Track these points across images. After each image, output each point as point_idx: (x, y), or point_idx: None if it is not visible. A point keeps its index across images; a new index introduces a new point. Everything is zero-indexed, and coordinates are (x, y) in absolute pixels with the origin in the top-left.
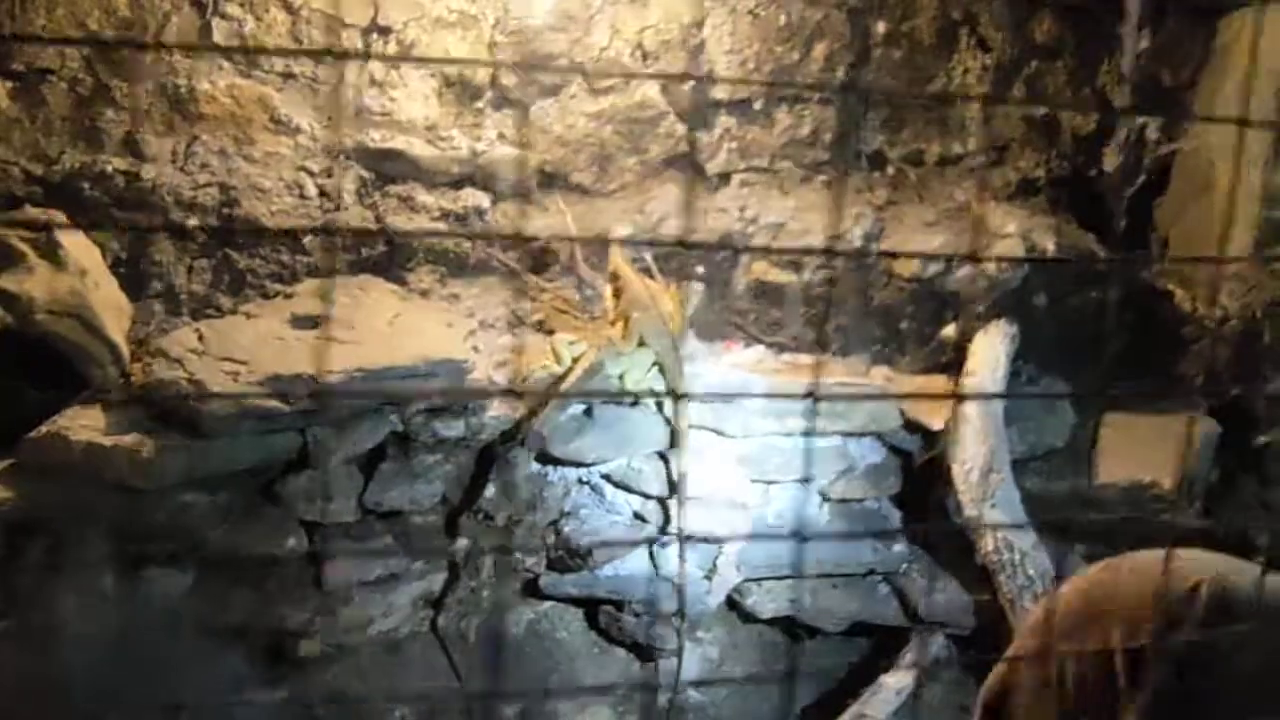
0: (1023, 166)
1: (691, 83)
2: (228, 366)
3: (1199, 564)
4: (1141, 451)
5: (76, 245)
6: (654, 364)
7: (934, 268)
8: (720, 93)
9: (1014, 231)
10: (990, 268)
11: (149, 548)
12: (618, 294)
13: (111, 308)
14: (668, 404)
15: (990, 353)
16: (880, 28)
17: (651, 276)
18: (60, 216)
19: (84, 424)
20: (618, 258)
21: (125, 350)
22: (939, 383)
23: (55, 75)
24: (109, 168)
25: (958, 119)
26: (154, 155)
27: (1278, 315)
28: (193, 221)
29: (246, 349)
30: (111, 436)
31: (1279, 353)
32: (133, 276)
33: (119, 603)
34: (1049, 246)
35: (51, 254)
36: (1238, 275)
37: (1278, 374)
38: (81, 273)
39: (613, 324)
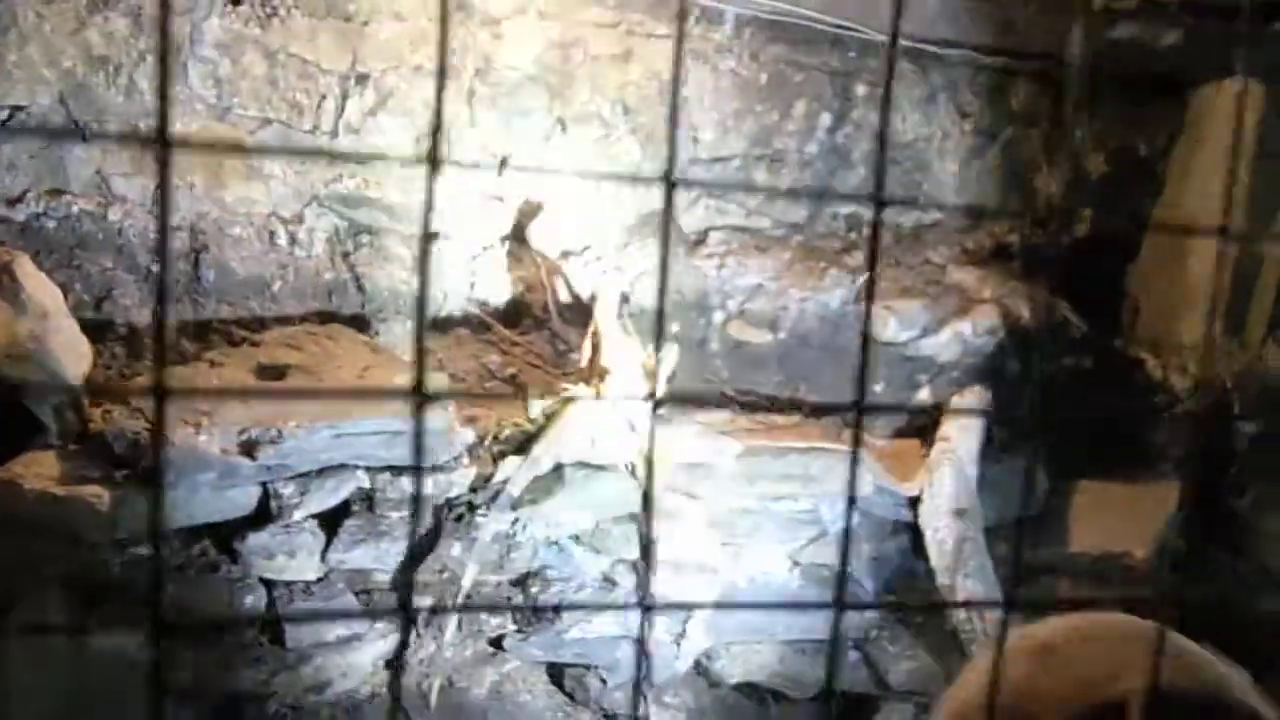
0: (997, 232)
1: None
2: (190, 416)
3: (1130, 649)
4: (1113, 520)
5: (38, 286)
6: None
7: (909, 333)
8: (702, 151)
9: (989, 297)
10: (966, 333)
11: (102, 602)
12: (596, 347)
13: (72, 351)
14: (639, 466)
15: (964, 418)
16: (860, 90)
17: (628, 333)
18: (23, 256)
19: (37, 472)
20: (600, 314)
21: (84, 396)
22: (913, 447)
23: (25, 112)
24: (75, 208)
25: (935, 183)
26: (122, 196)
27: (1247, 385)
28: (159, 266)
29: (209, 399)
30: (66, 486)
31: (1248, 422)
32: (95, 319)
33: (69, 659)
34: (1024, 313)
35: (11, 296)
36: (1208, 344)
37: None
38: (42, 315)
39: (587, 381)
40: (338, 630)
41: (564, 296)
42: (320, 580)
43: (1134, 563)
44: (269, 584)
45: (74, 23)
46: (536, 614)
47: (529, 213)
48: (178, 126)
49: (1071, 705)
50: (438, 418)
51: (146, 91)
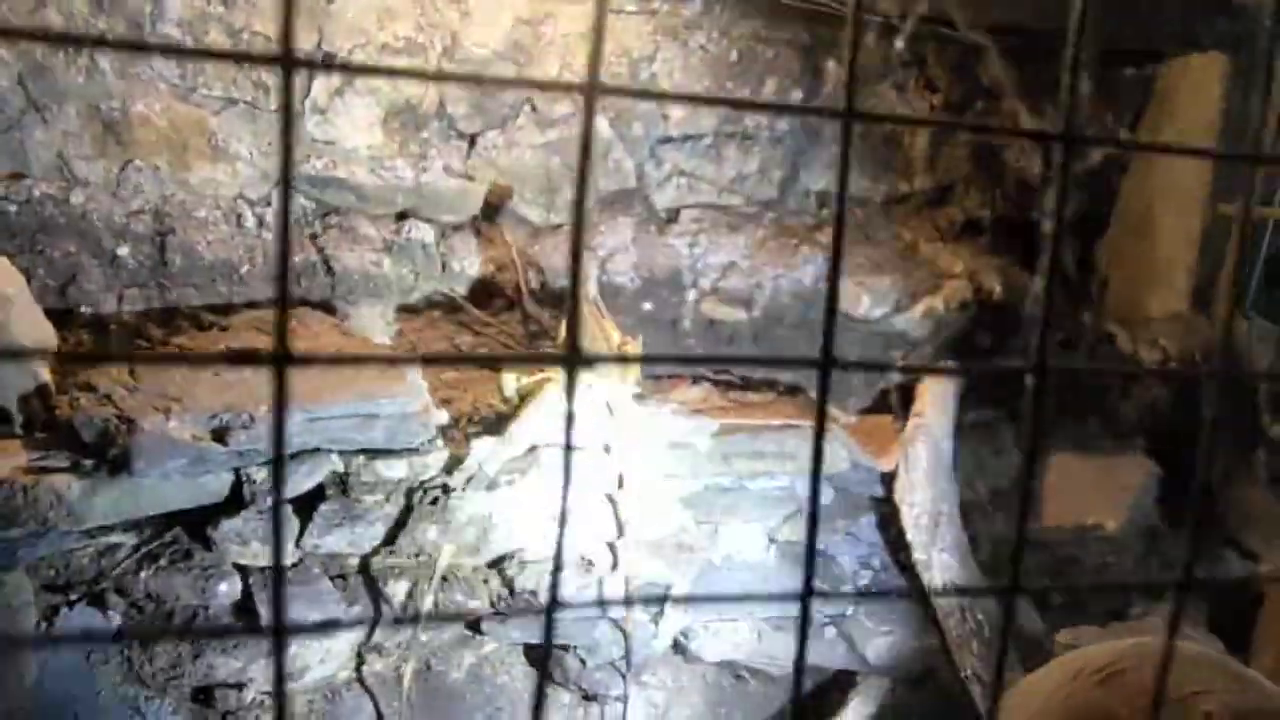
0: (967, 207)
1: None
2: (160, 402)
3: (1201, 674)
4: (1086, 493)
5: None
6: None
7: (882, 309)
8: (672, 129)
9: (960, 272)
10: (939, 309)
11: (72, 591)
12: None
13: (36, 337)
14: (614, 446)
15: (938, 393)
16: (831, 66)
17: (602, 315)
18: None
19: (3, 460)
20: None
21: (50, 383)
22: (886, 423)
23: None
24: (36, 191)
25: (904, 158)
26: (85, 179)
27: (1216, 357)
28: (124, 250)
29: (180, 384)
30: (32, 474)
31: (1218, 395)
32: (59, 306)
33: (39, 649)
34: (995, 288)
35: None
36: (1177, 318)
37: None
38: (4, 301)
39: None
40: (315, 615)
41: (534, 280)
42: (295, 566)
43: (1107, 535)
44: (243, 570)
45: (32, 0)
46: (514, 595)
47: (499, 194)
48: (139, 107)
49: None
50: (411, 399)
51: (108, 71)
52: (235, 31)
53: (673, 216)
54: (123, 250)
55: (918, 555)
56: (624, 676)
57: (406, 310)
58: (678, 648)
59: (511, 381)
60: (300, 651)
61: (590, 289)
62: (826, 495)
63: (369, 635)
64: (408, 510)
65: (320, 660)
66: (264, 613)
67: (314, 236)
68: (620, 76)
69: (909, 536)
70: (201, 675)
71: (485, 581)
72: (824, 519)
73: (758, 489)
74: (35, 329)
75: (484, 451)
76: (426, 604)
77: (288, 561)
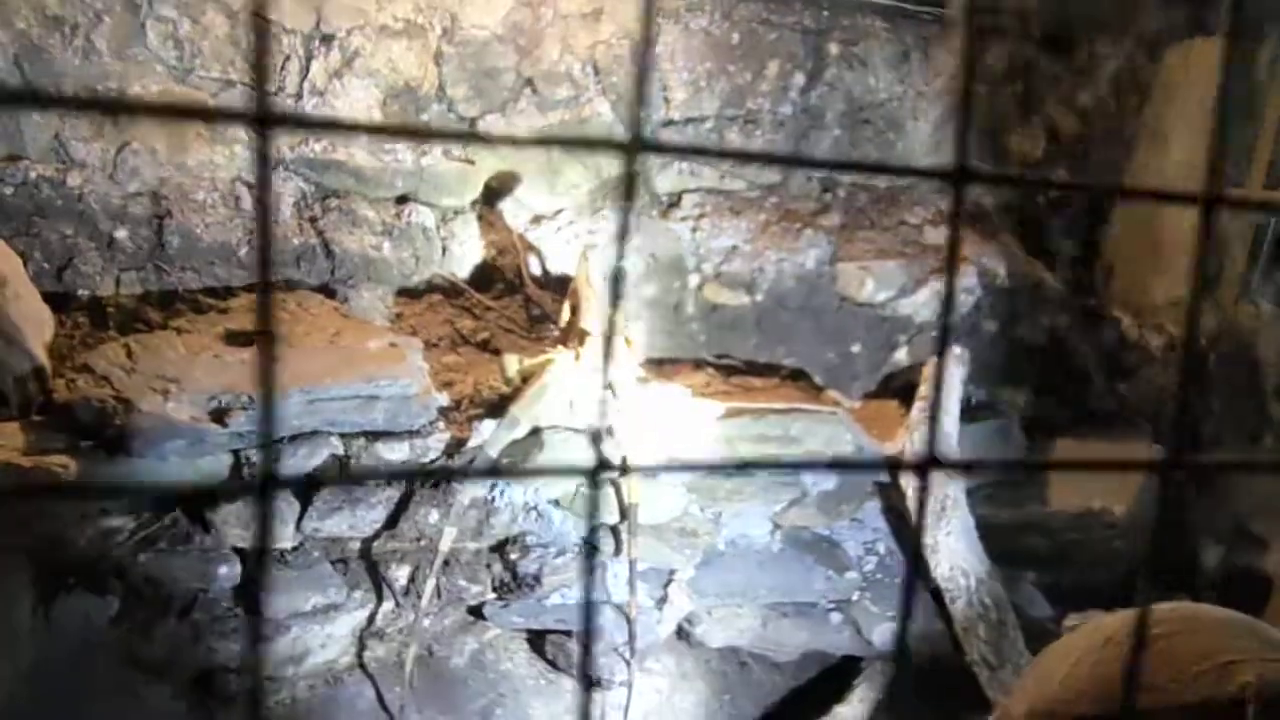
0: (972, 192)
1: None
2: (158, 384)
3: (1236, 642)
4: (1091, 478)
5: None
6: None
7: (886, 293)
8: (674, 113)
9: (966, 257)
10: (942, 292)
11: (70, 574)
12: (575, 309)
13: (33, 320)
14: (617, 430)
15: (944, 376)
16: (833, 49)
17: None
18: None
19: (2, 442)
20: (584, 272)
21: (48, 365)
22: (891, 408)
23: None
24: (33, 174)
25: (908, 143)
26: (82, 161)
27: (1221, 343)
28: (121, 233)
29: (177, 365)
30: (31, 456)
31: (1223, 379)
32: (57, 289)
33: (37, 632)
34: (1000, 272)
35: None
36: (1181, 303)
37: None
38: (1, 283)
39: (565, 342)
40: (315, 600)
41: (535, 264)
42: (296, 549)
43: (1113, 519)
44: (242, 553)
45: None
46: (517, 580)
47: (503, 180)
48: (136, 89)
49: (1182, 697)
50: (411, 381)
51: (105, 52)
52: (233, 13)
53: (675, 201)
54: (120, 233)
55: (924, 539)
56: (628, 662)
57: (407, 294)
58: (682, 634)
59: (513, 363)
60: (300, 636)
61: (595, 266)
62: (831, 481)
63: (370, 620)
64: (409, 493)
65: (321, 645)
66: (263, 597)
67: (313, 220)
68: (623, 59)
69: (914, 520)
70: (201, 659)
71: (488, 566)
72: (829, 504)
73: (762, 473)
74: (33, 311)
75: (485, 434)
76: (428, 588)
77: (287, 545)
